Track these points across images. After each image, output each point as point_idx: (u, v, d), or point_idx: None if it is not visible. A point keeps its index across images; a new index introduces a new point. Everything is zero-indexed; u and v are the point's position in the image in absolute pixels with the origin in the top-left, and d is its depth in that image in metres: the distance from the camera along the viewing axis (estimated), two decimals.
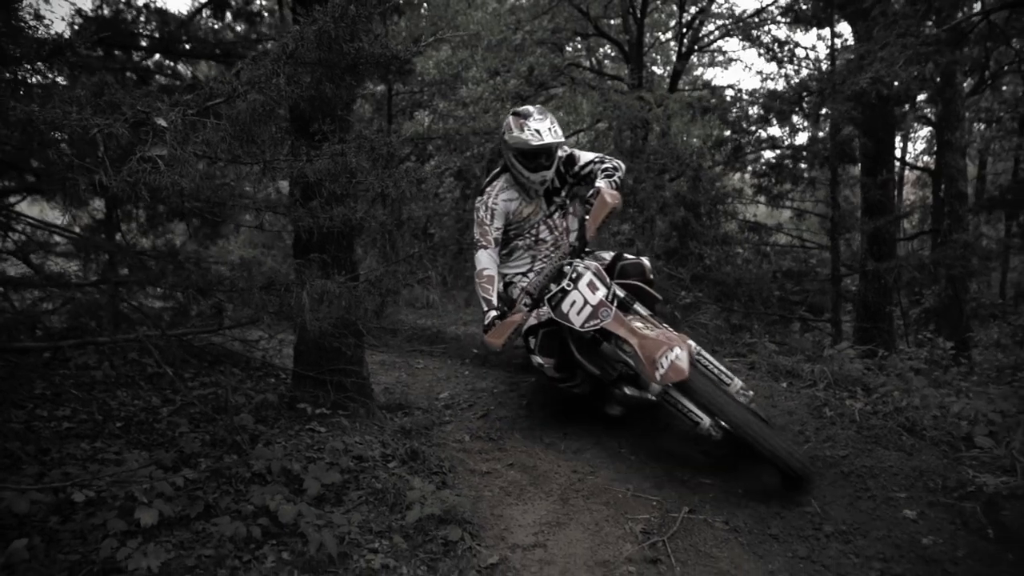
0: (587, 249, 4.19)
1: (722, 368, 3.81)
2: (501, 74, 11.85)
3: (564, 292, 3.80)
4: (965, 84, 14.77)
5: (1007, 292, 13.47)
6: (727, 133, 9.07)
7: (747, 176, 10.19)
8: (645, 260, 4.20)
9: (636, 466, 3.85)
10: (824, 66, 9.07)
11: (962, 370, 5.42)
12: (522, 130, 3.99)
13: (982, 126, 16.13)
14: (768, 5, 12.81)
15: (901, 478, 3.42)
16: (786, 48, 10.81)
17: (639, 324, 3.70)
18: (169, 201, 2.43)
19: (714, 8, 13.71)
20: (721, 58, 15.71)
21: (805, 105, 6.85)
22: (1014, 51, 13.35)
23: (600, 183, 3.90)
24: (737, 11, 13.55)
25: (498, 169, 4.34)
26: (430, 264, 4.39)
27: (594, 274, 3.81)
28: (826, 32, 11.84)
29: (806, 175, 9.39)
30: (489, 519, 3.33)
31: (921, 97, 13.25)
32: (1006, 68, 14.55)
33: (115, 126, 1.62)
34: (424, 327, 8.32)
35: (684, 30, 13.63)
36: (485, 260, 4.07)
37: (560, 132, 4.03)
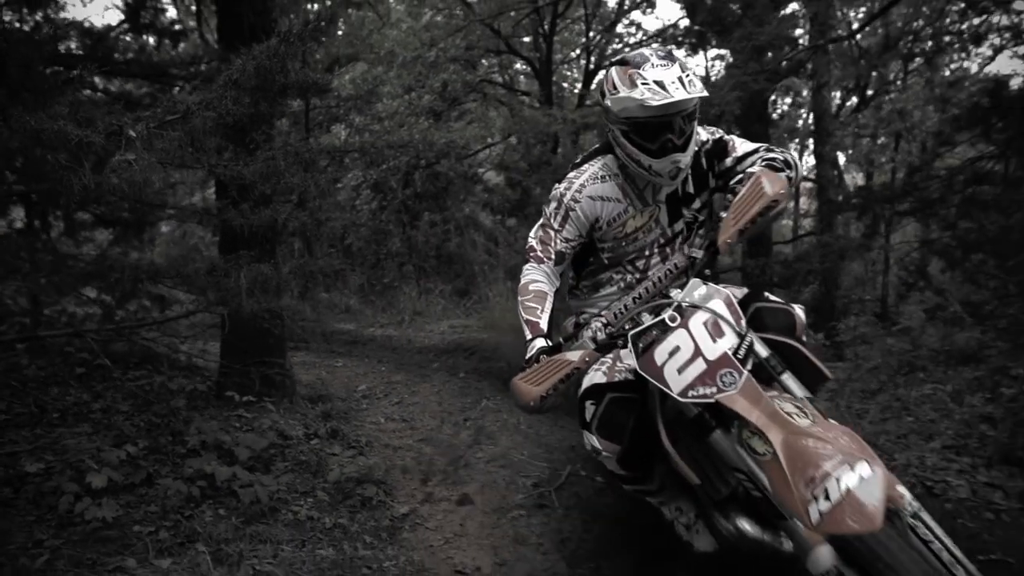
0: (708, 272, 2.56)
1: (954, 549, 1.93)
2: (416, 89, 12.33)
3: (663, 329, 2.23)
4: (851, 101, 16.12)
5: (888, 293, 14.70)
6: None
7: None
8: (798, 309, 2.61)
9: (533, 438, 4.40)
10: None
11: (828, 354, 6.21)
12: (633, 85, 2.37)
13: (866, 140, 17.56)
14: (667, 28, 13.77)
15: None
16: None
17: (790, 407, 2.09)
18: (128, 200, 2.82)
19: (619, 28, 14.61)
20: None
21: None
22: (880, 76, 14.71)
23: (755, 169, 2.42)
24: (637, 35, 14.31)
25: (597, 146, 2.80)
26: (349, 271, 4.67)
27: (721, 308, 2.25)
28: (714, 53, 12.91)
29: None
30: (401, 481, 3.81)
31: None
32: (889, 88, 16.03)
33: (92, 136, 2.06)
34: (343, 331, 8.71)
35: (590, 48, 14.44)
36: (536, 272, 2.70)
37: (700, 85, 2.37)
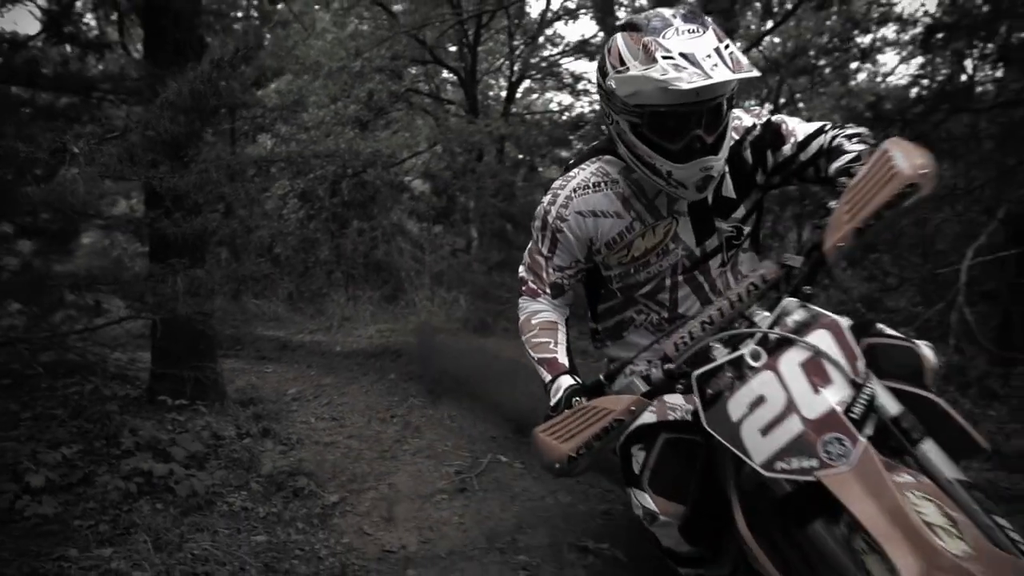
0: (810, 290, 1.74)
1: None
2: (341, 99, 12.48)
3: (742, 370, 1.64)
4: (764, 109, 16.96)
5: None
6: (520, 157, 10.27)
7: None
8: (924, 346, 1.92)
9: (456, 430, 4.68)
10: None
11: None
12: (650, 59, 1.72)
13: None
14: (588, 40, 14.28)
15: None
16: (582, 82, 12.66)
17: (931, 512, 1.40)
18: (69, 210, 2.97)
19: (541, 39, 15.02)
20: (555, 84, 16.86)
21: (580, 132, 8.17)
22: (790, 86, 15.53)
23: (847, 145, 1.90)
24: (560, 45, 14.77)
25: (594, 144, 2.23)
26: (278, 279, 4.75)
27: (828, 342, 1.61)
28: None
29: None
30: (332, 474, 4.04)
31: None
32: (796, 97, 16.96)
33: (38, 153, 2.24)
34: (272, 337, 8.81)
35: (514, 59, 14.81)
36: (534, 304, 2.18)
37: (746, 60, 1.73)
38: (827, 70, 12.91)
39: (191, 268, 3.30)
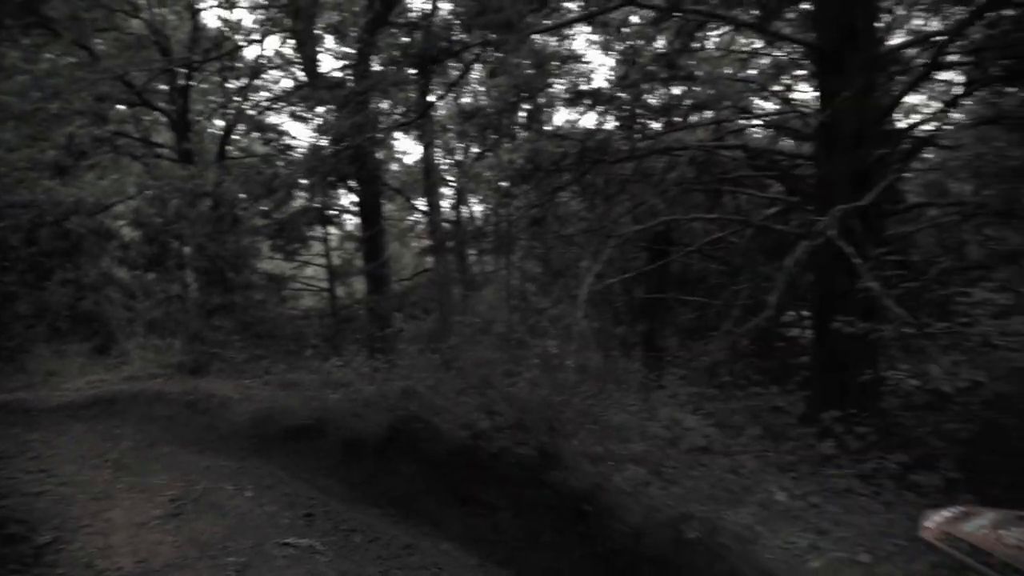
0: None
1: None
2: (36, 144, 11.80)
3: None
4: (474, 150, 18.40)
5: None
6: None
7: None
8: None
9: (169, 465, 5.01)
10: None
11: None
12: None
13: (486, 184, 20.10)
14: (302, 86, 14.70)
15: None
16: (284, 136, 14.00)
17: None
18: None
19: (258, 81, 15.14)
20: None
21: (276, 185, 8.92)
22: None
23: None
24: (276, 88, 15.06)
25: None
26: None
27: None
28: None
29: (309, 234, 11.62)
30: (43, 518, 4.23)
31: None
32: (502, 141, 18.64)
33: None
34: None
35: (226, 104, 14.80)
36: None
37: None
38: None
39: None
